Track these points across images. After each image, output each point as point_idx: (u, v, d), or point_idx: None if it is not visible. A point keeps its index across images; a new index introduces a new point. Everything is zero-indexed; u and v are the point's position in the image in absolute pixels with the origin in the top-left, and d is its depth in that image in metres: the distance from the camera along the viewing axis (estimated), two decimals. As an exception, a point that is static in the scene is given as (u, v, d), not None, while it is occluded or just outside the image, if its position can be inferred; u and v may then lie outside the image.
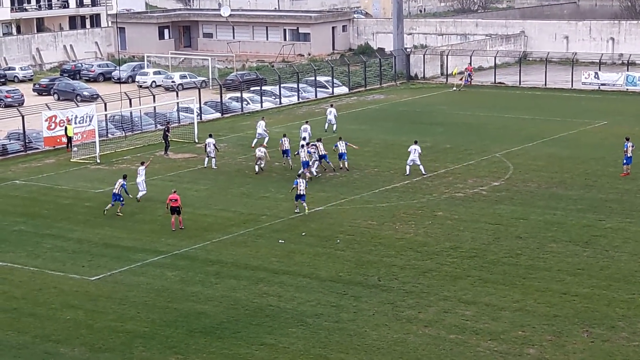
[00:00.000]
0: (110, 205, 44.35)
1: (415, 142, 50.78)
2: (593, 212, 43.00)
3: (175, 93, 72.40)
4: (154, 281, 35.36)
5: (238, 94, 75.52)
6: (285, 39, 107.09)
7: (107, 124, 63.94)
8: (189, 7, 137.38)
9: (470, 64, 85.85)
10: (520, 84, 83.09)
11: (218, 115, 71.80)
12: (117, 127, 65.32)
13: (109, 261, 37.79)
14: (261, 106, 74.67)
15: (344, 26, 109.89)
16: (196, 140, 60.92)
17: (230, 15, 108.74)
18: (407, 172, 50.08)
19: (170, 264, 37.33)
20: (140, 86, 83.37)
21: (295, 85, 79.82)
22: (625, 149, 49.46)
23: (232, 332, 30.52)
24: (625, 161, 49.38)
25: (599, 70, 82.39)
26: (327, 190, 47.71)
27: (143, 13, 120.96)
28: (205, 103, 72.95)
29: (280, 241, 39.76)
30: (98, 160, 55.94)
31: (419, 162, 49.96)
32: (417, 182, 49.08)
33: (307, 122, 58.31)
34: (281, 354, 28.89)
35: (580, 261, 36.51)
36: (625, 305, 32.00)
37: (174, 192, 42.38)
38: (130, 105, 65.52)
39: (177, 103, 68.30)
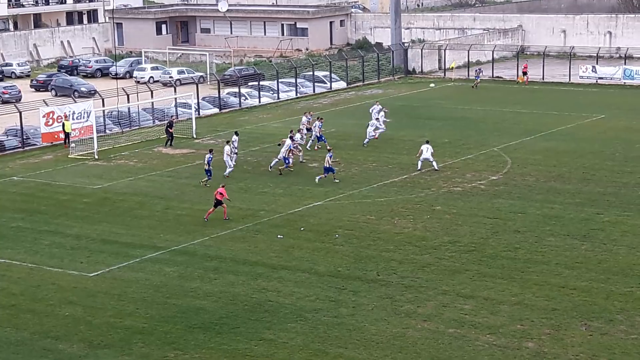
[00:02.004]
0: (206, 179, 48.33)
1: (427, 142, 50.77)
2: (591, 206, 43.04)
3: (173, 88, 72.40)
4: (153, 277, 35.37)
5: (236, 89, 75.51)
6: (283, 34, 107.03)
7: (104, 120, 63.91)
8: (186, 3, 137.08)
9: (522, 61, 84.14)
10: (518, 78, 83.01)
11: (216, 110, 71.80)
12: (114, 123, 65.32)
13: (108, 257, 37.78)
14: (259, 101, 74.69)
15: (341, 21, 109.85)
16: (194, 136, 60.89)
17: (227, 10, 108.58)
18: (419, 168, 50.11)
19: (168, 259, 37.32)
20: (138, 82, 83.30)
21: (293, 80, 79.81)
22: None
23: (231, 327, 30.53)
24: None
25: (597, 64, 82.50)
26: (325, 185, 47.71)
27: (140, 8, 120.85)
28: (203, 98, 72.92)
29: (279, 236, 39.76)
30: (96, 156, 55.90)
31: (431, 159, 49.96)
32: (415, 176, 49.10)
33: (377, 103, 59.08)
34: (280, 349, 28.90)
35: (579, 255, 36.54)
36: (623, 298, 32.04)
37: (222, 186, 42.76)
38: (128, 101, 65.52)
39: (175, 98, 68.26)
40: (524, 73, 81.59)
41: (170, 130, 58.32)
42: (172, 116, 62.49)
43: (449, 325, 30.20)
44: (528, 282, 33.71)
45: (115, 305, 32.66)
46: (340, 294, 33.11)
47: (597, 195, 44.87)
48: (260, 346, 29.08)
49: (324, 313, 31.45)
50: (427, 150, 50.12)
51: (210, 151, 49.01)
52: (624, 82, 78.84)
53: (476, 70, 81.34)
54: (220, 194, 41.95)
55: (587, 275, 34.34)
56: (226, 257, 37.40)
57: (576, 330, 29.59)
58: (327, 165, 47.87)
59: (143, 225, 42.14)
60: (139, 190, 48.04)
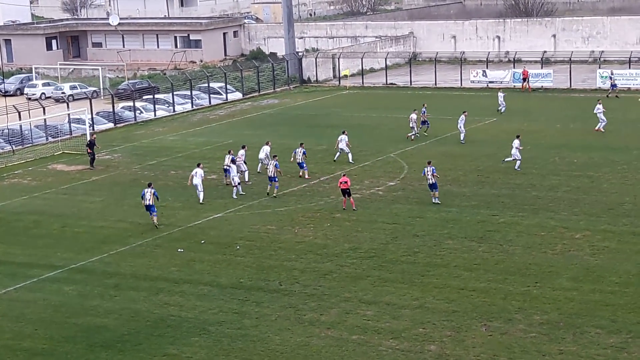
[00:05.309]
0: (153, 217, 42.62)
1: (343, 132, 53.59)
2: (486, 208, 43.90)
3: (66, 104, 71.17)
4: (51, 297, 34.71)
5: (130, 103, 74.73)
6: (176, 46, 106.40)
7: (-5, 138, 62.56)
8: (76, 17, 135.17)
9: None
10: (411, 84, 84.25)
11: (111, 125, 70.92)
12: (6, 141, 63.90)
13: (3, 278, 36.92)
14: (155, 115, 74.03)
15: (235, 32, 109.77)
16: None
17: (119, 24, 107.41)
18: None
19: (67, 278, 36.68)
20: (29, 98, 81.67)
21: (188, 93, 79.38)
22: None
23: (134, 344, 30.17)
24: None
25: (487, 68, 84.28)
26: (225, 197, 47.56)
27: (29, 24, 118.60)
28: (98, 113, 71.97)
29: (179, 250, 39.49)
30: (-12, 176, 54.64)
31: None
32: (314, 185, 49.35)
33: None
34: (184, 363, 28.71)
35: (476, 256, 37.24)
36: (521, 297, 32.76)
37: (344, 175, 44.46)
38: (20, 119, 64.21)
39: (69, 114, 67.15)
40: (524, 79, 78.33)
41: (89, 151, 55.70)
42: (92, 134, 59.57)
43: (352, 332, 30.42)
44: (428, 286, 34.21)
45: (13, 328, 31.94)
46: (244, 306, 33.06)
47: (492, 197, 45.80)
48: (164, 362, 28.84)
49: (228, 325, 31.35)
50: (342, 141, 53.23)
51: (150, 185, 43.54)
52: (514, 86, 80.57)
53: (610, 78, 74.36)
54: (345, 182, 43.52)
55: (485, 276, 35.02)
56: (126, 274, 36.95)
57: (477, 331, 30.14)
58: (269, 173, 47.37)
59: (40, 244, 41.32)
60: (35, 209, 47.09)
